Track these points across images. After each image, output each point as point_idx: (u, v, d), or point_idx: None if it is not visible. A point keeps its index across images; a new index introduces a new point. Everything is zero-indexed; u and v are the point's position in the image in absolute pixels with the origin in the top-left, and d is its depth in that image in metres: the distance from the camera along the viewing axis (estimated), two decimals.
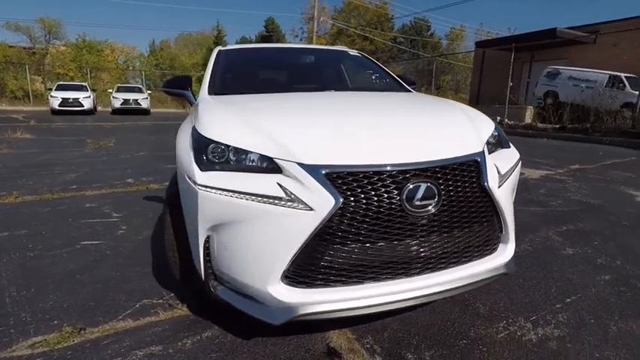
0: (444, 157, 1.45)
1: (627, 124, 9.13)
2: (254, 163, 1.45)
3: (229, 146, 1.49)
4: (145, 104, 17.65)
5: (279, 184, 1.35)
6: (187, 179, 1.50)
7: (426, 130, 1.68)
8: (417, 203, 1.36)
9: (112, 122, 13.37)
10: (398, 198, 1.34)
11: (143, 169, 5.42)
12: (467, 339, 1.66)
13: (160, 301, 1.98)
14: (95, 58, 26.67)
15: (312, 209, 1.29)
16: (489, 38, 23.07)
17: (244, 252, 1.40)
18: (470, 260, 1.56)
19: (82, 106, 16.10)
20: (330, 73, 2.96)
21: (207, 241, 1.49)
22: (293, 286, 1.38)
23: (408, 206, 1.35)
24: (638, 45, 13.59)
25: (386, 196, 1.34)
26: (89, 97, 16.56)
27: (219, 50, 2.81)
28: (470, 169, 1.50)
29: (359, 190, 1.33)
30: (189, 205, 1.54)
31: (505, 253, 1.65)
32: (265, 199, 1.35)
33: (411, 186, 1.35)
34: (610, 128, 8.82)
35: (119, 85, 19.74)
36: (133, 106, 17.34)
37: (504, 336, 1.68)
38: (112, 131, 10.39)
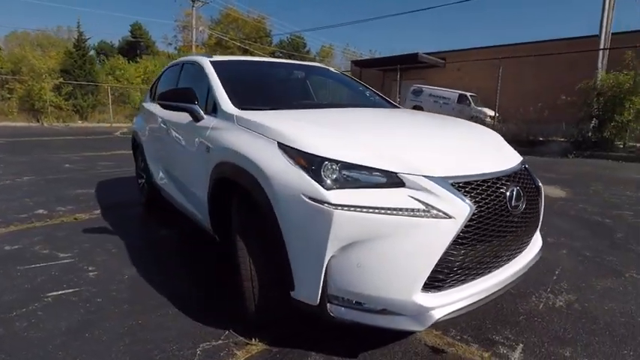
0: (514, 165, 1.75)
1: None
2: (373, 179, 1.47)
3: (339, 162, 1.48)
4: None
5: (411, 196, 1.43)
6: (306, 200, 1.42)
7: (491, 142, 1.97)
8: (514, 203, 1.60)
9: None
10: (504, 200, 1.57)
11: (45, 196, 4.41)
12: (522, 315, 1.98)
13: (220, 341, 1.76)
14: None
15: (451, 217, 1.41)
16: (366, 58, 25.87)
17: (382, 266, 1.41)
18: (526, 247, 1.89)
19: None
20: (337, 90, 3.03)
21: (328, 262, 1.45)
22: (428, 291, 1.46)
23: (509, 206, 1.58)
24: (473, 70, 17.29)
25: (497, 199, 1.55)
26: None
27: (212, 61, 2.58)
28: (526, 173, 1.83)
29: (479, 197, 1.50)
30: (306, 227, 1.45)
31: (538, 240, 2.04)
32: (401, 212, 1.39)
33: (509, 190, 1.60)
34: None
35: None
36: None
37: (543, 307, 2.06)
38: None
